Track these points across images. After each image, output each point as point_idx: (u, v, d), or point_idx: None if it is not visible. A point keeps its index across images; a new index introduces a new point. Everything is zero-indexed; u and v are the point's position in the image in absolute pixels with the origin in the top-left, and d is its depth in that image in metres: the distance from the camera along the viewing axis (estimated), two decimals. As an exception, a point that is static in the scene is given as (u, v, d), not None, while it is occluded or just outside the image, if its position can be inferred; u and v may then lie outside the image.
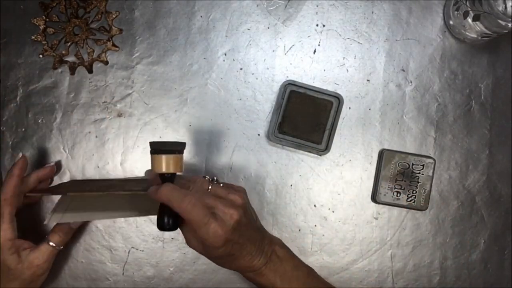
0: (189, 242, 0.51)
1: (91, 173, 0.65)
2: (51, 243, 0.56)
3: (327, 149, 0.64)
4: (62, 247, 0.58)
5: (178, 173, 0.50)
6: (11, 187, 0.54)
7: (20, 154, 0.59)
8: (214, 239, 0.48)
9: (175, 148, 0.50)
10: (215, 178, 0.53)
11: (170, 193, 0.47)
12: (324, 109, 0.64)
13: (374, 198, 0.66)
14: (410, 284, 0.67)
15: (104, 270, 0.65)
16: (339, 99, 0.64)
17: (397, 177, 0.65)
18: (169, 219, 0.48)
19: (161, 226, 0.48)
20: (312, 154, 0.66)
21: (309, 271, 0.57)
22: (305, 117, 0.64)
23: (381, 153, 0.66)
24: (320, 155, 0.66)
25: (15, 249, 0.53)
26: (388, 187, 0.65)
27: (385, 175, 0.65)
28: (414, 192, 0.65)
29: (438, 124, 0.67)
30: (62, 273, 0.65)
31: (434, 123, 0.67)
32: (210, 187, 0.51)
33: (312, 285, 0.55)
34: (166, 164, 0.48)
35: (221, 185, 0.53)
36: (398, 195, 0.65)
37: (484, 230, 0.68)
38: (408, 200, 0.65)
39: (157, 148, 0.49)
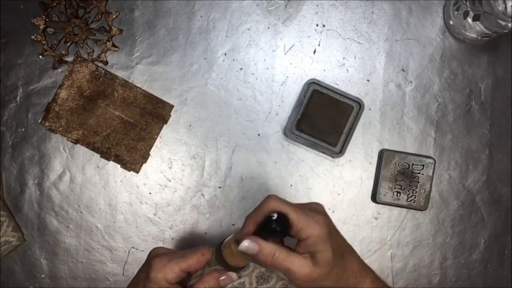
0: (300, 267, 0.45)
1: (91, 173, 0.65)
2: None
3: (341, 152, 0.64)
4: None
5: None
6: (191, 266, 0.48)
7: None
8: (318, 225, 0.45)
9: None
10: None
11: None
12: (344, 112, 0.64)
13: (374, 198, 0.66)
14: (410, 284, 0.67)
15: (104, 270, 0.65)
16: (360, 104, 0.64)
17: (397, 177, 0.65)
18: (278, 224, 0.44)
19: (273, 231, 0.44)
20: (312, 155, 0.66)
21: None
22: (324, 118, 0.64)
23: (381, 153, 0.66)
24: (334, 157, 0.66)
25: None
26: (388, 187, 0.65)
27: (385, 175, 0.65)
28: (414, 192, 0.65)
29: (438, 124, 0.67)
30: (62, 273, 0.65)
31: (434, 123, 0.67)
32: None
33: None
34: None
35: None
36: (398, 195, 0.65)
37: (484, 230, 0.68)
38: (408, 200, 0.65)
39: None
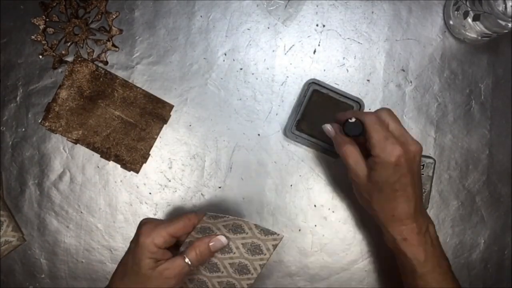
0: (354, 165, 0.54)
1: (91, 173, 0.65)
2: (186, 260, 0.51)
3: None
4: (194, 268, 0.52)
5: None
6: (188, 227, 0.53)
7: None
8: (390, 153, 0.51)
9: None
10: None
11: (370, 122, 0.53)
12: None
13: (374, 198, 0.66)
14: (410, 284, 0.67)
15: (104, 270, 0.65)
16: (360, 104, 0.64)
17: (397, 177, 0.65)
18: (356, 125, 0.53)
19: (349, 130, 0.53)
20: (312, 154, 0.66)
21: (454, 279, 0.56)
22: (324, 118, 0.64)
23: (381, 153, 0.66)
24: (333, 157, 0.66)
25: (155, 255, 0.50)
26: (388, 187, 0.65)
27: (385, 175, 0.65)
28: (414, 192, 0.65)
29: (438, 124, 0.67)
30: (62, 273, 0.65)
31: (434, 123, 0.67)
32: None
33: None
34: None
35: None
36: (398, 195, 0.65)
37: (484, 230, 0.68)
38: (408, 200, 0.65)
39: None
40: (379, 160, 0.52)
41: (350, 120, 0.53)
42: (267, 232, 0.53)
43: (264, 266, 0.54)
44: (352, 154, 0.54)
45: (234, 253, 0.53)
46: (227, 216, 0.53)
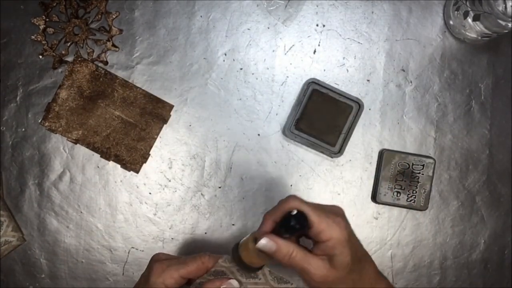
0: (315, 270, 0.46)
1: (91, 173, 0.65)
2: None
3: (340, 152, 0.64)
4: None
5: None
6: (196, 270, 0.49)
7: None
8: (339, 229, 0.45)
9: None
10: None
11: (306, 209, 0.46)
12: (343, 112, 0.64)
13: (374, 198, 0.66)
14: (410, 284, 0.67)
15: (104, 270, 0.65)
16: (359, 104, 0.64)
17: (397, 177, 0.65)
18: (297, 222, 0.45)
19: (291, 227, 0.45)
20: (312, 154, 0.66)
21: None
22: (323, 118, 0.64)
23: (381, 153, 0.66)
24: (332, 157, 0.66)
25: None
26: (388, 187, 0.65)
27: (385, 175, 0.65)
28: (414, 192, 0.65)
29: (438, 124, 0.67)
30: (62, 273, 0.65)
31: (434, 123, 0.67)
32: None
33: None
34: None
35: None
36: (398, 195, 0.65)
37: (484, 230, 0.68)
38: (408, 200, 0.65)
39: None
40: (334, 242, 0.45)
41: (292, 213, 0.44)
42: (280, 280, 0.50)
43: None
44: (307, 258, 0.46)
45: None
46: None
